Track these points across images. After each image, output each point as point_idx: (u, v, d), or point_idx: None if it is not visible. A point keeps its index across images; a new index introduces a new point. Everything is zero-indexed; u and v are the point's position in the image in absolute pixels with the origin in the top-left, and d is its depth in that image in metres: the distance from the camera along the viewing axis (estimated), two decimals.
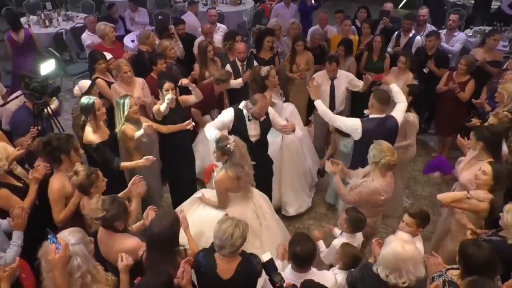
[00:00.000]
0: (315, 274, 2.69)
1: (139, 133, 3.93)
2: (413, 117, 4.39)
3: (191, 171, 4.80)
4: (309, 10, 8.04)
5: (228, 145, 3.40)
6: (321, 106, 4.17)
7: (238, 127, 4.07)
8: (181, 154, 4.52)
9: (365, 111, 4.10)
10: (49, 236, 2.20)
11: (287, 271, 2.73)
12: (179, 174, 4.56)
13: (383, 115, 3.95)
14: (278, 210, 4.90)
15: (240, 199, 3.64)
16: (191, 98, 4.51)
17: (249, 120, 4.05)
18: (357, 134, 3.91)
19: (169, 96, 4.10)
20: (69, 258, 2.15)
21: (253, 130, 4.10)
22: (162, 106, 4.14)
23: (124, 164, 3.87)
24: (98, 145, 3.86)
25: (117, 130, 4.02)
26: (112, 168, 3.81)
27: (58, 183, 3.33)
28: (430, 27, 6.83)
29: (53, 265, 2.09)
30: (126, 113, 3.96)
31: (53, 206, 3.32)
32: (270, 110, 4.18)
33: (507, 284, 2.68)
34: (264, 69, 4.77)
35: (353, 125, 3.91)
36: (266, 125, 4.14)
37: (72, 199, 3.31)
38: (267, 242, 3.62)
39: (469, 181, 3.47)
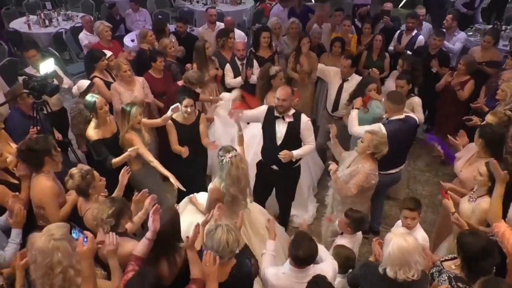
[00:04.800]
0: (313, 269, 2.67)
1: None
2: (417, 99, 4.63)
3: (202, 178, 4.61)
4: (304, 13, 7.75)
5: (223, 159, 3.26)
6: (354, 113, 4.22)
7: (268, 122, 3.96)
8: (192, 163, 4.31)
9: (384, 115, 4.10)
10: (74, 231, 2.23)
11: (285, 267, 2.70)
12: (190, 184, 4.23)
13: (403, 116, 3.98)
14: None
15: (229, 213, 3.41)
16: None
17: (277, 118, 3.91)
18: None
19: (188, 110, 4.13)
20: (96, 250, 2.20)
21: (279, 132, 3.91)
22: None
23: (115, 160, 3.88)
24: (94, 142, 3.97)
25: (121, 134, 4.07)
26: (107, 166, 3.86)
27: (47, 182, 3.22)
28: (426, 25, 6.85)
29: (82, 257, 2.16)
30: (131, 122, 3.98)
31: (49, 206, 3.19)
32: (305, 120, 3.93)
33: None
34: (274, 68, 4.65)
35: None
36: (292, 129, 3.87)
37: (70, 200, 3.31)
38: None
39: (469, 179, 3.47)
